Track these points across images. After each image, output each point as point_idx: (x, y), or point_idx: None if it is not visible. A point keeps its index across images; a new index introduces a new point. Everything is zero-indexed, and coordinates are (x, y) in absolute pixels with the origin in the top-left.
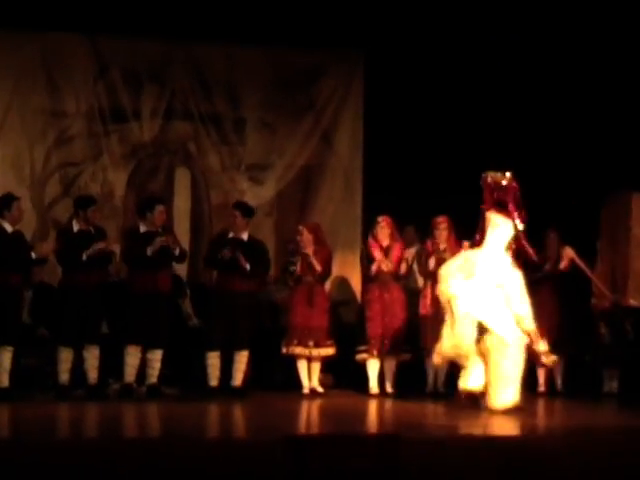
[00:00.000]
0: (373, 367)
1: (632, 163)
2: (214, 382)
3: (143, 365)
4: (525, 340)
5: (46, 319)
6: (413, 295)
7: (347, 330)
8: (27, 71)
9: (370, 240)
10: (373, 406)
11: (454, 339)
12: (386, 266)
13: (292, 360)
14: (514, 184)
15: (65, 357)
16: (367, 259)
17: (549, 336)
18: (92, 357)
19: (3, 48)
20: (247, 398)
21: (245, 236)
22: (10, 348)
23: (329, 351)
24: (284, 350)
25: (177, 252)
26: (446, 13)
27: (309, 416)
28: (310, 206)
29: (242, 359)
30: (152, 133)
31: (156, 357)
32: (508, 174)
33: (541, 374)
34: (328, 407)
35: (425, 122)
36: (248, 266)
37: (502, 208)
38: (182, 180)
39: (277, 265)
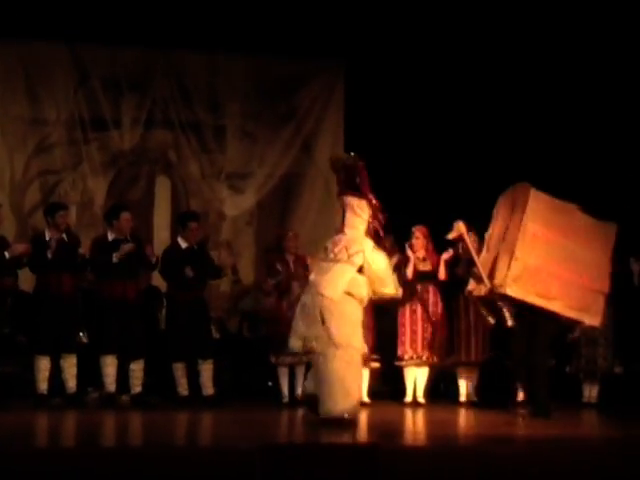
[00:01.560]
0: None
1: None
2: (184, 392)
3: (124, 374)
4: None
5: (25, 327)
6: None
7: None
8: (7, 79)
9: None
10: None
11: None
12: None
13: (272, 369)
14: (360, 163)
15: (43, 366)
16: None
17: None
18: (70, 366)
19: None
20: (223, 407)
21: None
22: None
23: None
24: (273, 360)
25: (154, 260)
26: (426, 23)
27: (288, 425)
28: (290, 215)
29: (207, 367)
30: (132, 141)
31: (138, 367)
32: (352, 154)
33: (520, 385)
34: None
35: (405, 131)
36: (191, 273)
37: (355, 190)
38: (162, 188)
39: (256, 273)
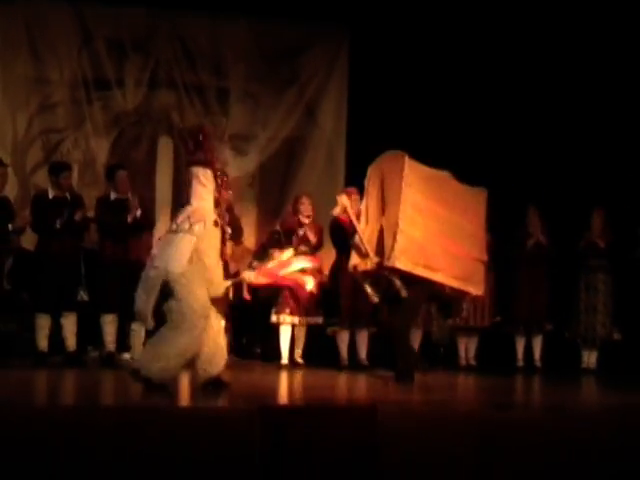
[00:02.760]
0: (344, 340)
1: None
2: None
3: (124, 333)
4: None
5: (26, 285)
6: None
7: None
8: (11, 38)
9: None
10: (349, 378)
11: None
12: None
13: (271, 332)
14: (206, 131)
15: (43, 324)
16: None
17: (530, 312)
18: (70, 324)
19: None
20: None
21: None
22: None
23: (318, 320)
24: (274, 319)
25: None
26: None
27: (287, 387)
28: (292, 178)
29: None
30: (135, 102)
31: (139, 326)
32: (200, 124)
33: (519, 350)
34: (305, 378)
35: (409, 96)
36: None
37: (201, 159)
38: (165, 149)
39: (258, 237)
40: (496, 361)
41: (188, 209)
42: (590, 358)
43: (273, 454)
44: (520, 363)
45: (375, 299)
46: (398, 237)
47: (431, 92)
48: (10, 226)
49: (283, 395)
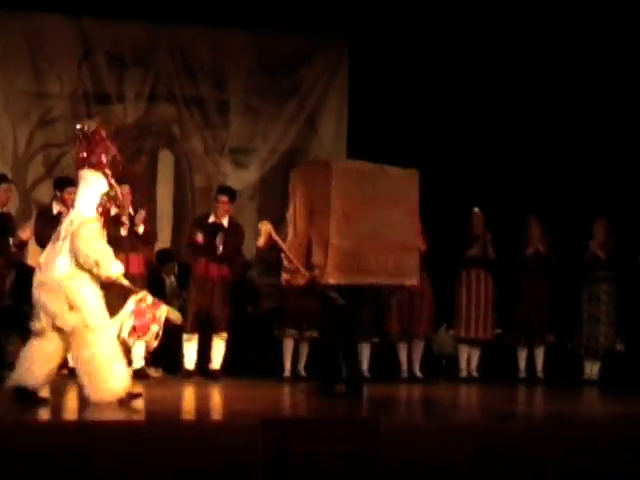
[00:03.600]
0: None
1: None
2: (191, 365)
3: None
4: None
5: (29, 299)
6: None
7: None
8: (12, 52)
9: None
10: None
11: None
12: None
13: (274, 345)
14: (100, 132)
15: None
16: None
17: (531, 323)
18: None
19: None
20: (225, 381)
21: (226, 221)
22: None
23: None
24: (276, 332)
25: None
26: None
27: (289, 400)
28: None
29: (220, 342)
30: (136, 116)
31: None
32: (96, 122)
33: (521, 360)
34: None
35: (410, 108)
36: (221, 247)
37: (93, 163)
38: (165, 163)
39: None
40: (498, 372)
41: (72, 213)
42: (593, 369)
43: (275, 467)
44: (522, 374)
45: (341, 301)
46: (330, 252)
47: (431, 102)
48: (11, 240)
49: (285, 408)
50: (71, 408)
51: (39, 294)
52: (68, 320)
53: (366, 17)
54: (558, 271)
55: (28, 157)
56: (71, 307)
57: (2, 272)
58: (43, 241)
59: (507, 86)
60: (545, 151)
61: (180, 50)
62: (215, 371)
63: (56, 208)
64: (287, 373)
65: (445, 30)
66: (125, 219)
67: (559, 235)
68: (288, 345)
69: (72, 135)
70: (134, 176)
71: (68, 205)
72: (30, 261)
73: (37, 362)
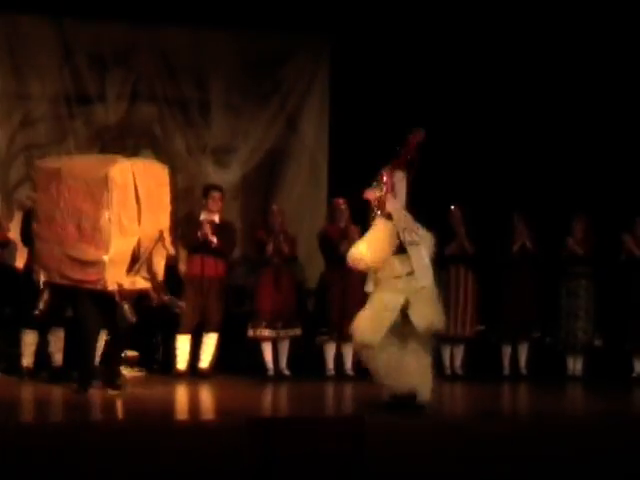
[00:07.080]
0: (331, 350)
1: None
2: (183, 365)
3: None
4: None
5: (10, 301)
6: None
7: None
8: None
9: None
10: (336, 389)
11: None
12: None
13: (258, 344)
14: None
15: (30, 340)
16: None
17: (516, 320)
18: (57, 340)
19: None
20: (212, 381)
21: (217, 217)
22: None
23: (297, 332)
24: (251, 333)
25: None
26: None
27: (274, 399)
28: (275, 190)
29: (211, 341)
30: (117, 116)
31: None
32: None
33: (506, 357)
34: (293, 390)
35: (391, 107)
36: (215, 240)
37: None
38: None
39: (243, 248)
40: (482, 369)
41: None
42: (576, 365)
43: (262, 467)
44: (506, 371)
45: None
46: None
47: (413, 101)
48: None
49: (270, 407)
50: (58, 409)
51: None
52: None
53: (347, 16)
54: (542, 267)
55: (10, 158)
56: None
57: None
58: (29, 241)
59: (489, 83)
60: (527, 148)
61: (161, 50)
62: (204, 370)
63: None
64: (270, 373)
65: (427, 28)
66: None
67: (541, 231)
68: (267, 346)
69: (54, 136)
70: None
71: None
72: (17, 263)
73: None
